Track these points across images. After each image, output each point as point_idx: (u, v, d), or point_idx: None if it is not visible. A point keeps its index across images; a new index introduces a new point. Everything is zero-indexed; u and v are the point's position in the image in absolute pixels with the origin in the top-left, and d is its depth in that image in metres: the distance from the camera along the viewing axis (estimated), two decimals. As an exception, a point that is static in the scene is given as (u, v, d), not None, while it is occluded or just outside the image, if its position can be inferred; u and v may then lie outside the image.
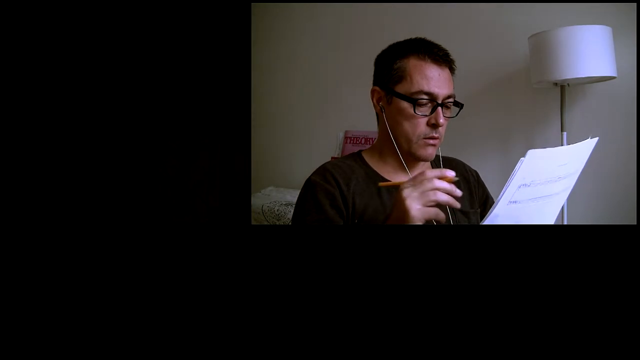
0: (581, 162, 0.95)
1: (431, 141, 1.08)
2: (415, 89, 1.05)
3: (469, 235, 0.97)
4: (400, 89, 1.07)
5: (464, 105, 1.12)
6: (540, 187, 0.89)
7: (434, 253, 0.97)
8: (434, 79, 1.06)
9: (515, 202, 0.89)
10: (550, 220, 1.00)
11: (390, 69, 1.09)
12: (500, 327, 0.96)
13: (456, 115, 1.12)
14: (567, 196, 0.99)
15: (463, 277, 0.97)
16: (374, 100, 1.14)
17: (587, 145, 0.93)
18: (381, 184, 1.06)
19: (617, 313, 0.95)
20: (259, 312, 0.98)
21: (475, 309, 0.97)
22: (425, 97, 1.05)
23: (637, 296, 0.95)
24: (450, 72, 1.10)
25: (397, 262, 0.97)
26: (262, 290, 0.98)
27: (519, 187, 0.87)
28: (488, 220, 0.88)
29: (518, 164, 0.85)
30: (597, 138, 0.92)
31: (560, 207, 0.99)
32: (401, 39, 1.14)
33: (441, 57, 1.07)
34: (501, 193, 0.87)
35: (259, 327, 0.97)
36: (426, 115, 1.06)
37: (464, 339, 0.96)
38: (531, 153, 0.84)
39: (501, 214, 0.89)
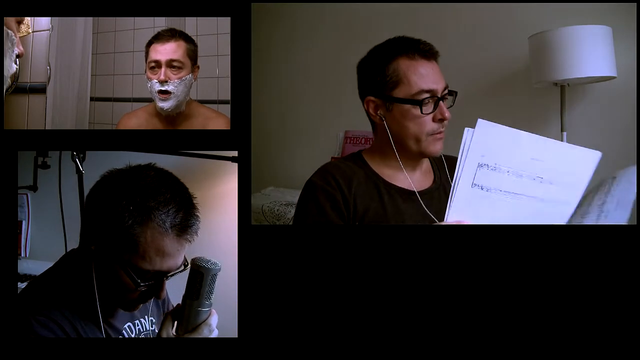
0: (576, 173, 0.91)
1: (439, 136, 1.08)
2: (415, 90, 1.05)
3: (468, 235, 0.97)
4: (399, 93, 1.06)
5: (464, 105, 1.12)
6: (510, 177, 0.85)
7: (433, 252, 0.97)
8: (429, 76, 1.05)
9: (481, 187, 0.85)
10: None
11: (383, 76, 1.07)
12: (500, 326, 0.96)
13: (453, 103, 1.11)
14: (567, 216, 0.91)
15: (463, 276, 0.97)
16: (371, 111, 1.12)
17: (584, 155, 0.89)
18: None
19: (616, 312, 0.95)
20: (258, 312, 0.98)
21: (475, 308, 0.97)
22: (427, 95, 1.05)
23: (637, 296, 0.95)
24: (437, 63, 1.10)
25: (397, 262, 0.97)
26: (261, 289, 0.98)
27: (479, 165, 0.83)
28: (453, 204, 0.84)
29: (467, 133, 0.80)
30: (600, 153, 0.88)
31: (554, 221, 0.91)
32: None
33: (428, 51, 1.07)
34: (457, 169, 0.82)
35: (257, 327, 0.97)
36: (431, 113, 1.06)
37: (463, 337, 0.96)
38: (482, 122, 0.79)
39: (468, 199, 0.85)
